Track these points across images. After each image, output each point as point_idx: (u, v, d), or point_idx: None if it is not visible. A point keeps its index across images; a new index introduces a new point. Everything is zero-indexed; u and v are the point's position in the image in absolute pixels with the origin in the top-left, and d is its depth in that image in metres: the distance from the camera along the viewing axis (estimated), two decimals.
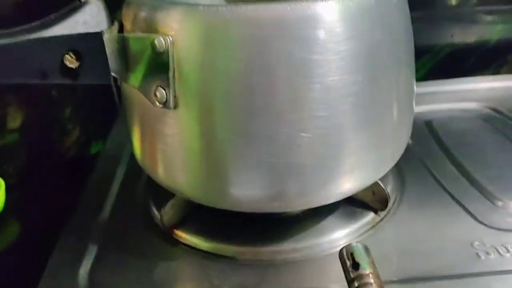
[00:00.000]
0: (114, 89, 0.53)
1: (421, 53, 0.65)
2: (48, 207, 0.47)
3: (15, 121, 0.53)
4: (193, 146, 0.32)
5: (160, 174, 0.36)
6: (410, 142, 0.50)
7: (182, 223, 0.40)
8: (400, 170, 0.45)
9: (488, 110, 0.57)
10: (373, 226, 0.39)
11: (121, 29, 0.33)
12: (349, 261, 0.27)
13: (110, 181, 0.47)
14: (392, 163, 0.37)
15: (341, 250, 0.28)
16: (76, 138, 0.59)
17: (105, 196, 0.45)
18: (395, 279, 0.34)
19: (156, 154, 0.35)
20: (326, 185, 0.33)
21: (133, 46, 0.32)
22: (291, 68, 0.30)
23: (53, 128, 0.58)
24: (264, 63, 0.30)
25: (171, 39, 0.30)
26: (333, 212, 0.40)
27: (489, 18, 0.64)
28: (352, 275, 0.27)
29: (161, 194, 0.39)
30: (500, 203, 0.41)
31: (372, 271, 0.27)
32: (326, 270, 0.36)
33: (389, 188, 0.41)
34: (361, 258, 0.27)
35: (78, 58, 0.30)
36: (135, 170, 0.48)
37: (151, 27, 0.31)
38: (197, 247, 0.38)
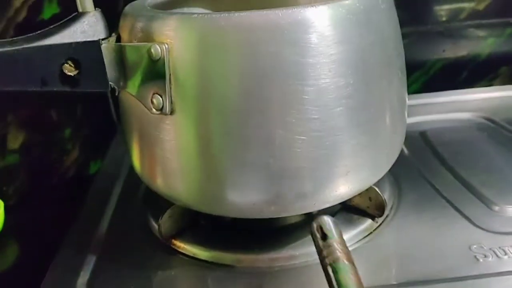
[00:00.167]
0: (111, 100, 0.54)
1: (413, 68, 0.67)
2: (47, 227, 0.47)
3: (15, 142, 0.53)
4: (190, 151, 0.33)
5: (158, 182, 0.36)
6: (406, 151, 0.51)
7: (180, 234, 0.40)
8: (396, 177, 0.46)
9: (482, 120, 0.58)
10: (371, 232, 0.39)
11: (118, 40, 0.34)
12: (318, 233, 0.30)
13: (108, 196, 0.48)
14: (387, 167, 0.38)
15: (311, 224, 0.31)
16: (75, 158, 0.60)
17: (103, 210, 0.45)
18: (394, 282, 0.34)
19: (154, 161, 0.35)
20: (322, 188, 0.34)
21: (130, 55, 0.33)
22: (285, 71, 0.30)
23: (53, 148, 0.59)
24: (258, 67, 0.30)
25: (167, 46, 0.31)
26: None
27: (479, 32, 0.66)
28: (320, 245, 0.29)
29: (159, 206, 0.40)
30: (496, 208, 0.41)
31: (339, 241, 0.29)
32: (324, 277, 0.36)
33: (386, 195, 0.41)
34: (329, 230, 0.30)
35: (77, 66, 0.31)
36: (133, 185, 0.49)
37: (148, 37, 0.32)
38: (196, 256, 0.38)
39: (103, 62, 0.32)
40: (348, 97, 0.32)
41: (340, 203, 0.40)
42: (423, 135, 0.55)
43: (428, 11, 0.65)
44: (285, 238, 0.38)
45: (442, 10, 0.64)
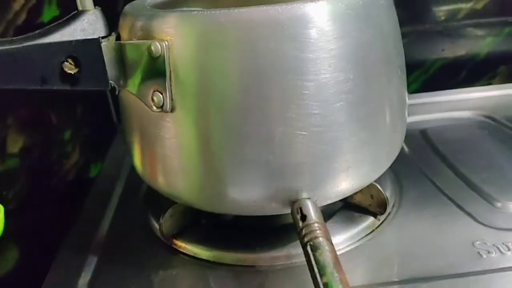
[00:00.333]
0: (111, 101, 0.54)
1: (413, 67, 0.67)
2: (48, 232, 0.47)
3: (15, 145, 0.53)
4: (190, 148, 0.33)
5: (159, 180, 0.36)
6: (406, 150, 0.51)
7: (181, 233, 0.39)
8: (397, 175, 0.46)
9: (482, 118, 0.58)
10: (373, 230, 0.39)
11: (118, 39, 0.34)
12: (298, 214, 0.31)
13: (109, 196, 0.47)
14: (387, 164, 0.37)
15: (292, 207, 0.32)
16: (75, 161, 0.59)
17: (104, 210, 0.45)
18: (397, 279, 0.34)
19: (154, 160, 0.35)
20: (323, 184, 0.33)
21: (130, 53, 0.33)
22: (285, 66, 0.30)
23: (53, 151, 0.58)
24: (258, 63, 0.30)
25: (167, 44, 0.31)
26: (331, 217, 0.40)
27: (478, 31, 0.66)
28: (300, 226, 0.31)
29: (160, 206, 0.40)
30: (499, 204, 0.41)
31: (317, 221, 0.30)
32: None
33: (387, 193, 0.41)
34: (308, 211, 0.31)
35: (77, 64, 0.31)
36: (133, 186, 0.49)
37: (148, 35, 0.32)
38: (197, 256, 0.38)
39: (103, 60, 0.32)
40: (348, 92, 0.32)
41: (342, 202, 0.40)
42: (423, 133, 0.55)
43: (427, 11, 0.65)
44: (286, 237, 0.38)
45: (441, 10, 0.65)
